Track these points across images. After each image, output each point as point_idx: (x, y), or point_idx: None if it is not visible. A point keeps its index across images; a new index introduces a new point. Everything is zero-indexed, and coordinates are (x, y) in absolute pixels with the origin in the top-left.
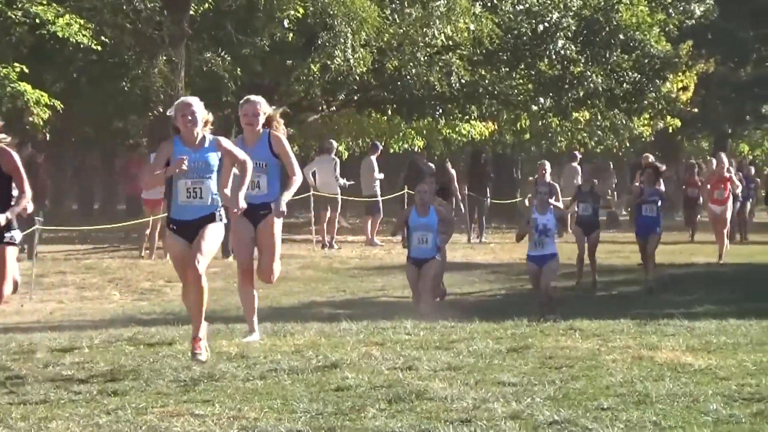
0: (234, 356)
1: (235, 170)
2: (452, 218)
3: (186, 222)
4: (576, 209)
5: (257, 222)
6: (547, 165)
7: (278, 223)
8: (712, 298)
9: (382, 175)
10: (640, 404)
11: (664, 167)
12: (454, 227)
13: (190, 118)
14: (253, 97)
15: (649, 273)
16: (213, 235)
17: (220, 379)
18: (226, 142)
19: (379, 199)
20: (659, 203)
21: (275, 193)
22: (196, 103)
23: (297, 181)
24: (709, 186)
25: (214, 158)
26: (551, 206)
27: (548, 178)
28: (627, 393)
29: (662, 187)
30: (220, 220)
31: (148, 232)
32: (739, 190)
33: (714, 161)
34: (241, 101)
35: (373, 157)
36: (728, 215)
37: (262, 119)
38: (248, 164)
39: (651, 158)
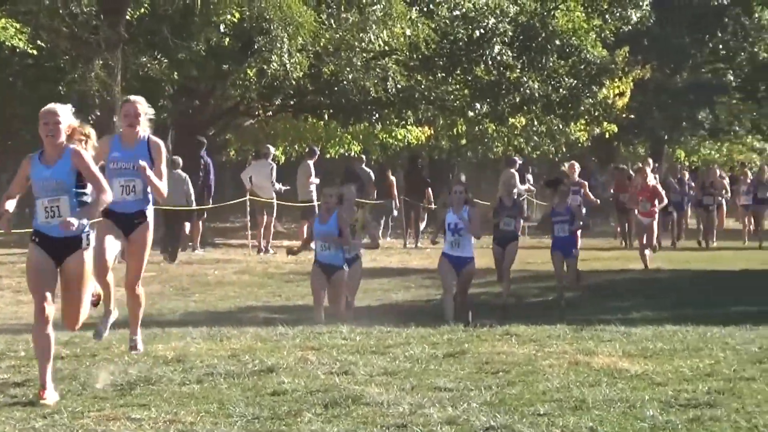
0: (170, 360)
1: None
2: (348, 231)
3: (50, 238)
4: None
5: (130, 231)
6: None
7: (151, 233)
8: (648, 305)
9: (318, 180)
10: (577, 410)
11: (575, 178)
12: (352, 240)
13: (51, 127)
14: (133, 97)
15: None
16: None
17: (156, 383)
18: (84, 158)
19: (316, 204)
20: (572, 222)
21: (150, 199)
22: (62, 110)
23: (107, 198)
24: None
25: (70, 176)
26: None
27: (462, 178)
28: (563, 398)
29: (578, 201)
30: (87, 245)
31: None
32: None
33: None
34: (122, 100)
35: (310, 162)
36: (654, 226)
37: (144, 120)
38: (106, 197)
39: (577, 167)
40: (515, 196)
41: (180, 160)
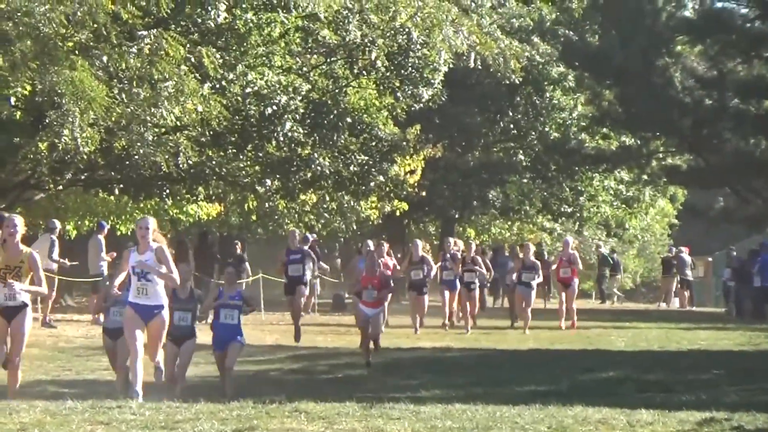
0: None
1: None
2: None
3: None
4: None
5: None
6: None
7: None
8: (438, 382)
9: (108, 256)
10: None
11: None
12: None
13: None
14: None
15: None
16: None
17: None
18: None
19: (104, 277)
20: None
21: None
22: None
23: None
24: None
25: None
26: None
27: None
28: None
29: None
30: None
31: None
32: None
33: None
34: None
35: (100, 237)
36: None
37: None
38: None
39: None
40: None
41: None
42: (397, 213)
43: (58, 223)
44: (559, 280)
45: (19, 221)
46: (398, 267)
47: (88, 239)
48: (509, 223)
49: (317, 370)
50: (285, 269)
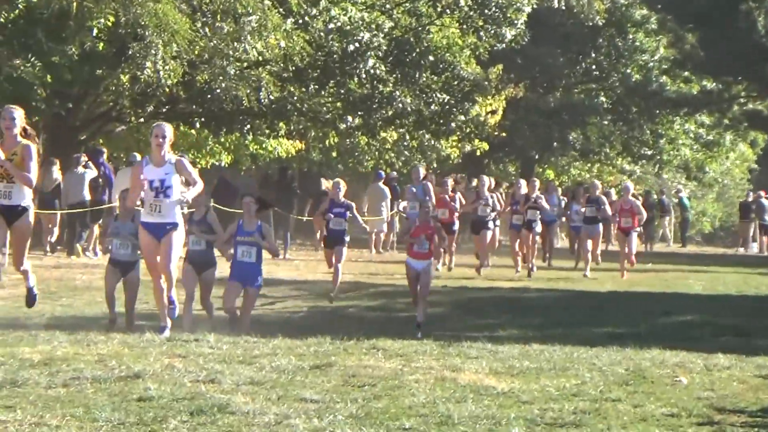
0: (37, 363)
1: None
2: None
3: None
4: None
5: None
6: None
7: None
8: (515, 323)
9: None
10: (442, 425)
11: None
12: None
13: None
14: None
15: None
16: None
17: (22, 386)
18: None
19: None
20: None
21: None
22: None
23: None
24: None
25: None
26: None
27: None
28: (429, 414)
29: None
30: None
31: None
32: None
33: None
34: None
35: None
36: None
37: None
38: None
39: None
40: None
41: (83, 159)
42: (478, 153)
43: (139, 157)
44: (619, 229)
45: (18, 113)
46: (463, 202)
47: None
48: (589, 164)
49: (395, 308)
50: (326, 222)
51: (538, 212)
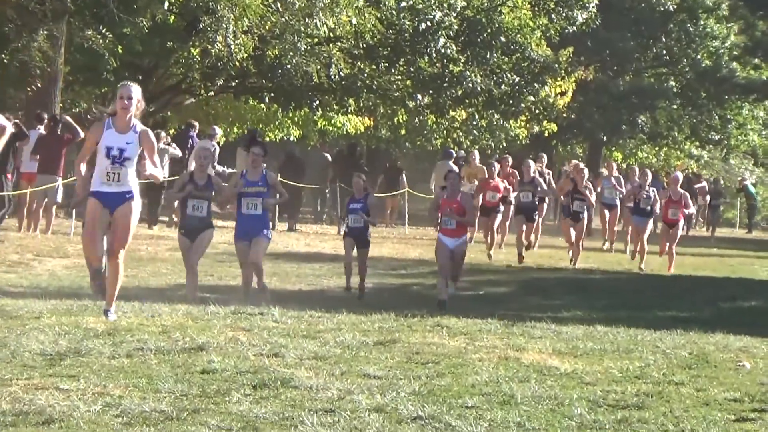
0: (101, 333)
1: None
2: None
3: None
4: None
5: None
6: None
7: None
8: (580, 304)
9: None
10: (505, 404)
11: None
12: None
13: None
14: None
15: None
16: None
17: (86, 355)
18: None
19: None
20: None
21: None
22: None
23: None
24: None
25: None
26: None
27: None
28: (492, 392)
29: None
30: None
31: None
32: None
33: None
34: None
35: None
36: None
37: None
38: None
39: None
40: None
41: (163, 134)
42: (546, 134)
43: (219, 130)
44: (666, 221)
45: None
46: (509, 188)
47: (236, 146)
48: (657, 148)
49: (459, 286)
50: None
51: (583, 203)
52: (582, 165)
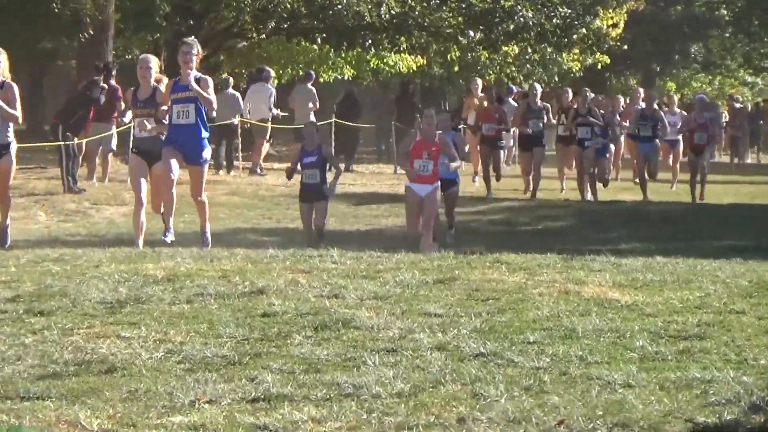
0: (160, 280)
1: None
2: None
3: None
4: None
5: None
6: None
7: None
8: (637, 236)
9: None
10: (566, 338)
11: None
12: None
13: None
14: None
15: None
16: None
17: (146, 302)
18: None
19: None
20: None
21: None
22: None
23: None
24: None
25: None
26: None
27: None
28: (553, 327)
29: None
30: None
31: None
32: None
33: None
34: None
35: (310, 85)
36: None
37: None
38: None
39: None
40: None
41: (231, 80)
42: (599, 66)
43: (272, 72)
44: (691, 147)
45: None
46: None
47: (290, 88)
48: (710, 77)
49: (518, 221)
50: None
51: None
52: (587, 91)
